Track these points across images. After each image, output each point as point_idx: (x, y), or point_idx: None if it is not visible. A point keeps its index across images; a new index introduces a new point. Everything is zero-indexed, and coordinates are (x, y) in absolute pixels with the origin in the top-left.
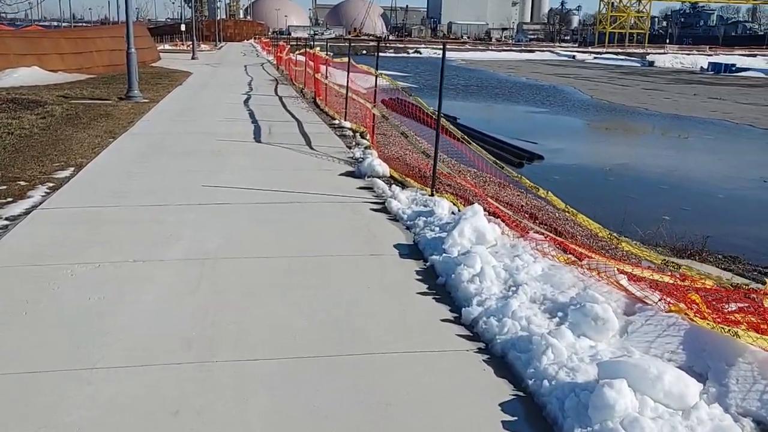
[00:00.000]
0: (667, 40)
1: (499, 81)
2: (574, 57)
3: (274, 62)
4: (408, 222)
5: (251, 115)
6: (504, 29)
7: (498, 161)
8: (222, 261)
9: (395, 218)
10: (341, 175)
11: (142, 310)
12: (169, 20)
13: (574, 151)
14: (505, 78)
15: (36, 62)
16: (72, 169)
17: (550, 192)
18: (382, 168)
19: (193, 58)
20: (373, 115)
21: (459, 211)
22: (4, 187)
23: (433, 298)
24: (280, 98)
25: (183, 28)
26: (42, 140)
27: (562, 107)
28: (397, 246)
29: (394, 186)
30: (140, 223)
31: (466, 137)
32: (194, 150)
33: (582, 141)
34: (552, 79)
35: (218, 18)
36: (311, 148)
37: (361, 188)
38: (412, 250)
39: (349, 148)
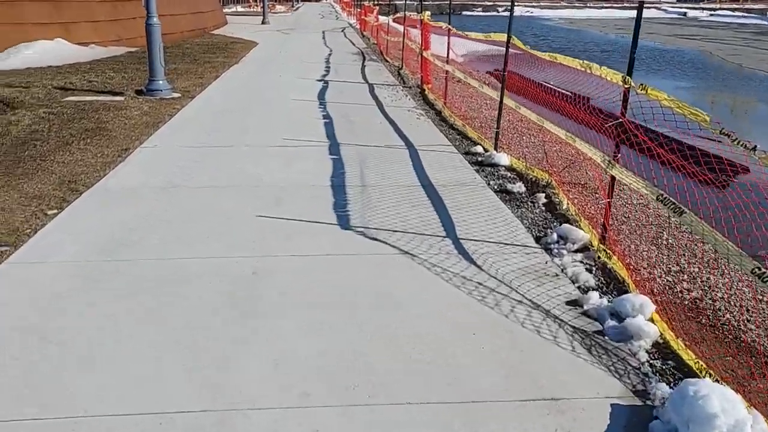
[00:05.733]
0: None
1: (613, 44)
2: (685, 14)
3: (357, 26)
4: None
5: (328, 127)
6: None
7: None
8: None
9: None
10: None
11: None
12: None
13: None
14: (617, 40)
15: (62, 33)
16: None
17: None
18: None
19: (263, 23)
20: (612, 179)
21: None
22: None
23: None
24: (371, 88)
25: None
26: None
27: (715, 80)
28: None
29: None
30: None
31: None
32: (195, 271)
33: None
34: (675, 42)
35: None
36: (458, 245)
37: None
38: None
39: (548, 251)
